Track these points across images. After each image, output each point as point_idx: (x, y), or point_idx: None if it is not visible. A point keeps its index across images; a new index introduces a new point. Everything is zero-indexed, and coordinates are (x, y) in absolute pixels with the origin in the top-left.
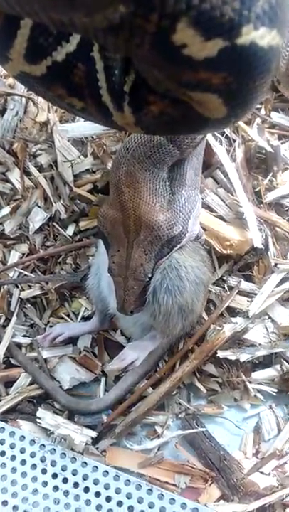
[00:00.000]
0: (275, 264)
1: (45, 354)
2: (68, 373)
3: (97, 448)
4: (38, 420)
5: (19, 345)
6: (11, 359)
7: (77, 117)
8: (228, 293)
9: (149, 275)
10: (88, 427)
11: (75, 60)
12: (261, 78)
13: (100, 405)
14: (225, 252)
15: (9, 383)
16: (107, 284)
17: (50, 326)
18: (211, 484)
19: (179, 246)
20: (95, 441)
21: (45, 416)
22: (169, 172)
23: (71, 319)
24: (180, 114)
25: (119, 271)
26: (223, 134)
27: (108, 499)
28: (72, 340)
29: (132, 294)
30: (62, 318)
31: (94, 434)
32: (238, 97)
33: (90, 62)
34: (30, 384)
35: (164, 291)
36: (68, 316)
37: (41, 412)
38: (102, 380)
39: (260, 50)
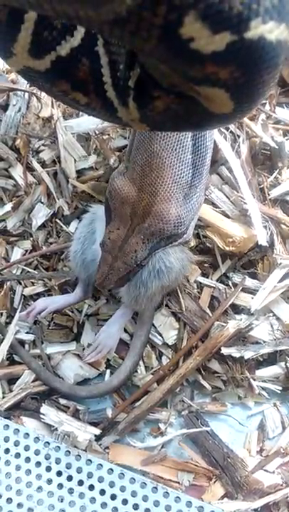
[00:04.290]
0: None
1: (48, 351)
2: (72, 370)
3: (100, 445)
4: (41, 417)
5: (22, 342)
6: (14, 356)
7: (82, 112)
8: (233, 290)
9: (138, 262)
10: (92, 423)
11: (80, 54)
12: (269, 73)
13: (104, 389)
14: (227, 248)
15: (13, 380)
16: (92, 252)
17: (54, 323)
18: (214, 482)
19: (175, 243)
20: (98, 437)
21: (49, 412)
22: (193, 153)
23: (74, 315)
24: (185, 109)
25: (111, 248)
26: (227, 129)
27: (113, 497)
28: (76, 337)
29: (116, 275)
30: (66, 315)
31: (97, 431)
32: (245, 91)
33: (94, 56)
34: (34, 380)
35: (152, 276)
36: (72, 312)
37: (45, 409)
38: (107, 372)
39: (268, 45)
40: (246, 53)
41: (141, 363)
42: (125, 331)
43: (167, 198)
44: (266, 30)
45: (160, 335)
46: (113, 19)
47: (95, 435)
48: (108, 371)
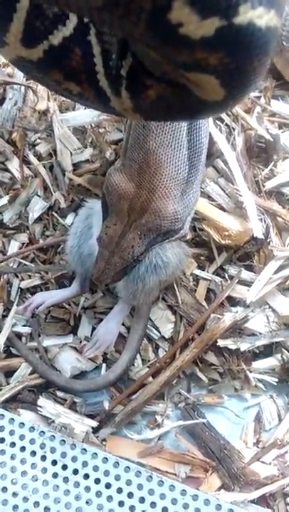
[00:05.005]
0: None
1: (45, 343)
2: (69, 362)
3: (97, 437)
4: (38, 409)
5: (19, 335)
6: (11, 349)
7: (78, 105)
8: (229, 282)
9: (135, 257)
10: (89, 416)
11: (72, 44)
12: (259, 60)
13: (102, 383)
14: (223, 242)
15: (10, 373)
16: (88, 246)
17: (51, 316)
18: (211, 474)
19: (172, 239)
20: (95, 430)
21: (46, 405)
22: (188, 149)
23: (71, 308)
24: (178, 98)
25: (108, 244)
26: (222, 122)
27: (108, 486)
28: (72, 330)
29: (113, 270)
30: (63, 308)
31: (94, 423)
32: (235, 78)
33: (86, 46)
34: (31, 373)
35: (149, 271)
36: (69, 305)
37: (42, 401)
38: (103, 366)
39: (257, 31)
40: (235, 39)
41: (138, 356)
42: (122, 324)
43: (165, 194)
44: (255, 15)
45: (157, 328)
46: (102, 4)
47: (92, 427)
48: (104, 365)
